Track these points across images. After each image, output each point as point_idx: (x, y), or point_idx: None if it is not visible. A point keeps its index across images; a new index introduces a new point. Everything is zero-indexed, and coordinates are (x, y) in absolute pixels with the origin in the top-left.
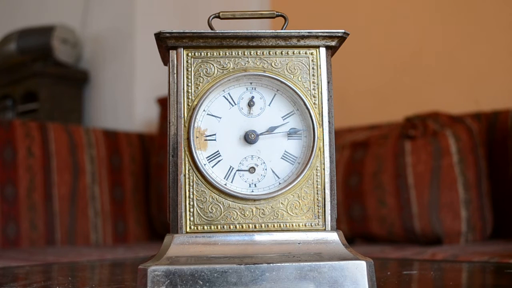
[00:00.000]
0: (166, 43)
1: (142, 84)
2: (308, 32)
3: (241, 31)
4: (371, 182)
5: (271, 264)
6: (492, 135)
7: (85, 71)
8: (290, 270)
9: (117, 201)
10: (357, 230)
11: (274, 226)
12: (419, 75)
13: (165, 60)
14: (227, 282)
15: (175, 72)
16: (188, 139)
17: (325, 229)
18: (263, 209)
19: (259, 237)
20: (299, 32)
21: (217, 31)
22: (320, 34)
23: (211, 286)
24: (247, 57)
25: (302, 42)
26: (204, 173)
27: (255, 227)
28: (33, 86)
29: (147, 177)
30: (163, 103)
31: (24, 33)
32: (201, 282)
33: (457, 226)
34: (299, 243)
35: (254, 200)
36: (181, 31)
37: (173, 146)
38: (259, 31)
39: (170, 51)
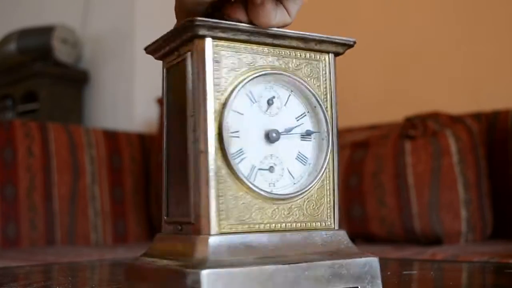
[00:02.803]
0: (194, 32)
1: (142, 84)
2: (327, 37)
3: (270, 28)
4: (371, 182)
5: (310, 263)
6: (492, 135)
7: (85, 71)
8: (325, 268)
9: (117, 201)
10: (357, 230)
11: (296, 226)
12: (419, 75)
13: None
14: (274, 283)
15: (204, 63)
16: (220, 134)
17: (334, 229)
18: (284, 209)
19: (286, 237)
20: (320, 37)
21: (248, 25)
22: (336, 40)
23: (264, 285)
24: (270, 56)
25: (318, 47)
26: (236, 171)
27: (280, 226)
28: (33, 86)
29: (147, 177)
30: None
31: (24, 33)
32: (252, 284)
33: (457, 226)
34: (320, 243)
35: (277, 199)
36: (216, 20)
37: (204, 142)
38: (285, 30)
39: (198, 40)
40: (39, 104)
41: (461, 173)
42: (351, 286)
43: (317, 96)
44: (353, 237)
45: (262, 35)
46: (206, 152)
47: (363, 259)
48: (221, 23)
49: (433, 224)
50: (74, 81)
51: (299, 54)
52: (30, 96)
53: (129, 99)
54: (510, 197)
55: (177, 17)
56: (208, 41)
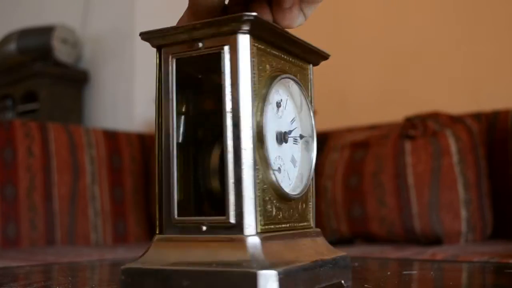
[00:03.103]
0: (239, 27)
1: (142, 84)
2: (319, 50)
3: (291, 33)
4: (371, 182)
5: (326, 260)
6: (492, 135)
7: (85, 71)
8: (331, 264)
9: (117, 201)
10: (357, 230)
11: (296, 226)
12: (419, 75)
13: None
14: (314, 279)
15: (248, 60)
16: (260, 132)
17: (313, 228)
18: (291, 209)
19: (295, 236)
20: (315, 48)
21: (281, 28)
22: (323, 54)
23: (307, 284)
24: (282, 60)
25: (309, 57)
26: (272, 171)
27: (289, 226)
28: (33, 86)
29: (147, 177)
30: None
31: (24, 33)
32: (300, 282)
33: (457, 226)
34: (311, 242)
35: (289, 200)
36: (262, 18)
37: (247, 140)
38: (299, 37)
39: (240, 35)
40: (39, 104)
41: (461, 173)
42: (339, 280)
43: (308, 102)
44: (353, 237)
45: (286, 40)
46: (249, 149)
47: (344, 255)
48: (265, 21)
49: (433, 224)
50: (74, 81)
51: (296, 61)
52: (30, 96)
53: (129, 99)
54: (510, 197)
55: (191, 10)
56: (250, 38)
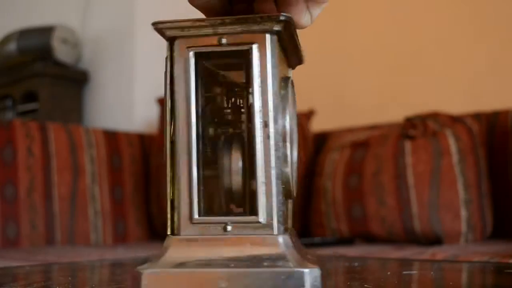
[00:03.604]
0: (271, 26)
1: (142, 84)
2: (302, 53)
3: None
4: (371, 182)
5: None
6: (492, 135)
7: (85, 71)
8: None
9: (117, 201)
10: (357, 230)
11: (290, 224)
12: (419, 75)
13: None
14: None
15: (275, 60)
16: (285, 132)
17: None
18: (289, 209)
19: (293, 234)
20: (301, 51)
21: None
22: (302, 58)
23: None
24: (283, 62)
25: (293, 60)
26: (289, 169)
27: (290, 225)
28: (33, 86)
29: (147, 177)
30: (163, 103)
31: (24, 33)
32: (320, 280)
33: (457, 226)
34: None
35: (290, 199)
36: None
37: (276, 140)
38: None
39: (269, 34)
40: (39, 104)
41: (461, 173)
42: None
43: (295, 104)
44: (353, 237)
45: (292, 42)
46: (278, 149)
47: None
48: (293, 23)
49: (433, 224)
50: (74, 81)
51: (286, 64)
52: (30, 96)
53: (129, 99)
54: (510, 197)
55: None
56: (276, 38)
